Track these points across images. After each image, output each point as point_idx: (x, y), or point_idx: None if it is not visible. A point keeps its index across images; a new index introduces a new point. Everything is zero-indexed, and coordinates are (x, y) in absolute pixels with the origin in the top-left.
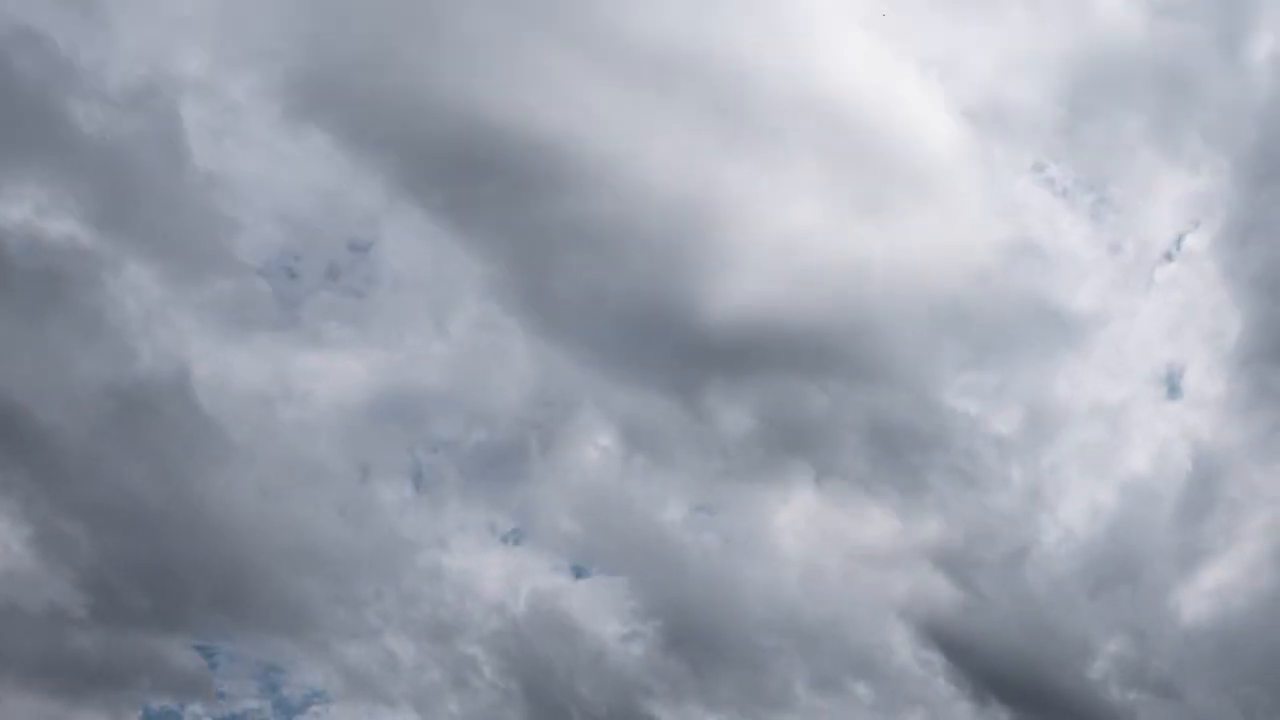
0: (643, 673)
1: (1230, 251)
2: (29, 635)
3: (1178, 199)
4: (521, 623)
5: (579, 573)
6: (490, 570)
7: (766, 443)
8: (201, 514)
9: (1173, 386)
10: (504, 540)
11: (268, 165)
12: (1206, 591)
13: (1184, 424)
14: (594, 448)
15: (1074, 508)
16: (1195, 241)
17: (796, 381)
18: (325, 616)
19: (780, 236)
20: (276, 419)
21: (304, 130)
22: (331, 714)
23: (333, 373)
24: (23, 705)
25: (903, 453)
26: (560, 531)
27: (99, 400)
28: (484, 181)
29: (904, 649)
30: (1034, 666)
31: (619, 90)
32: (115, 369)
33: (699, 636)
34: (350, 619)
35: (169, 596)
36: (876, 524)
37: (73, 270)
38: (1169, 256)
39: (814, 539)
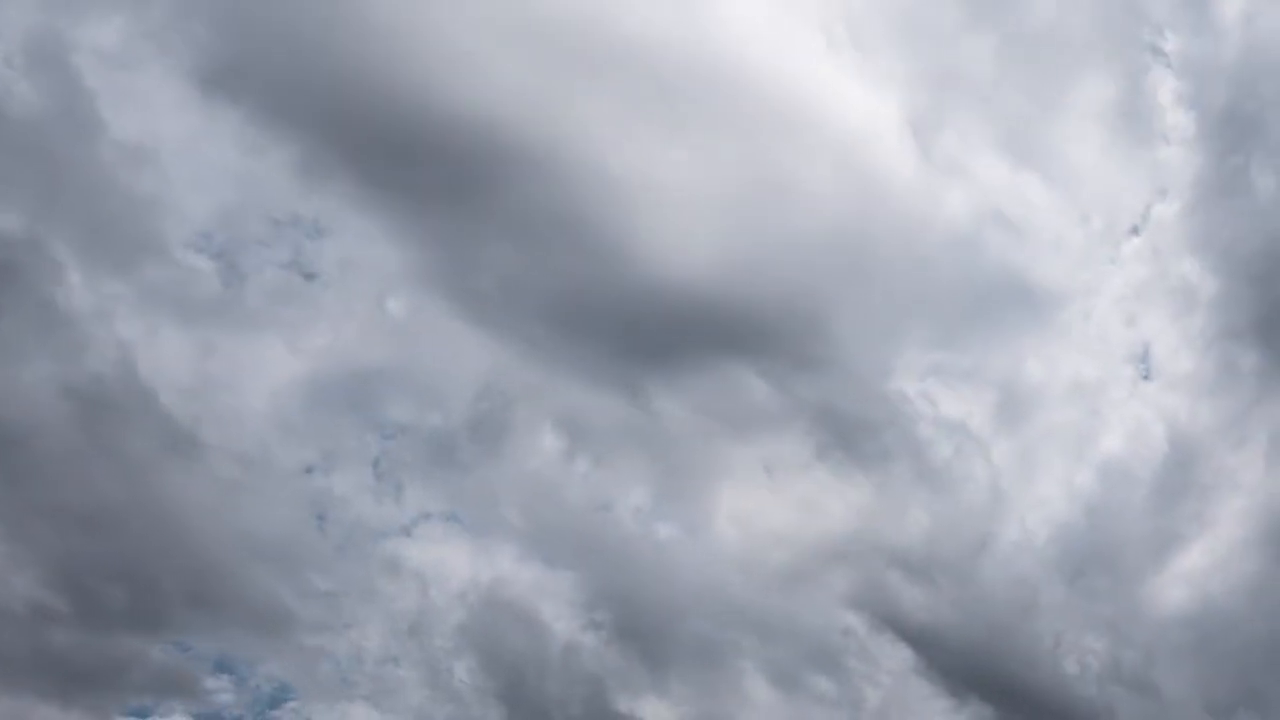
0: (598, 668)
1: (1199, 221)
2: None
3: (1145, 167)
4: (480, 616)
5: (532, 566)
6: (447, 563)
7: (713, 433)
8: (165, 509)
9: (1146, 366)
10: (453, 534)
11: (185, 144)
12: (1186, 580)
13: (1159, 404)
14: (539, 439)
15: (1046, 494)
16: (1164, 211)
17: (741, 369)
18: (295, 610)
19: (710, 218)
20: (229, 408)
21: (220, 108)
22: (306, 710)
23: (272, 360)
24: None
25: (860, 440)
26: (509, 525)
27: (51, 396)
28: (406, 165)
29: (870, 644)
30: (1011, 661)
31: (541, 72)
32: (65, 363)
33: (651, 631)
34: (320, 613)
35: (137, 595)
36: (833, 515)
37: (9, 259)
38: (1136, 229)
39: (764, 531)
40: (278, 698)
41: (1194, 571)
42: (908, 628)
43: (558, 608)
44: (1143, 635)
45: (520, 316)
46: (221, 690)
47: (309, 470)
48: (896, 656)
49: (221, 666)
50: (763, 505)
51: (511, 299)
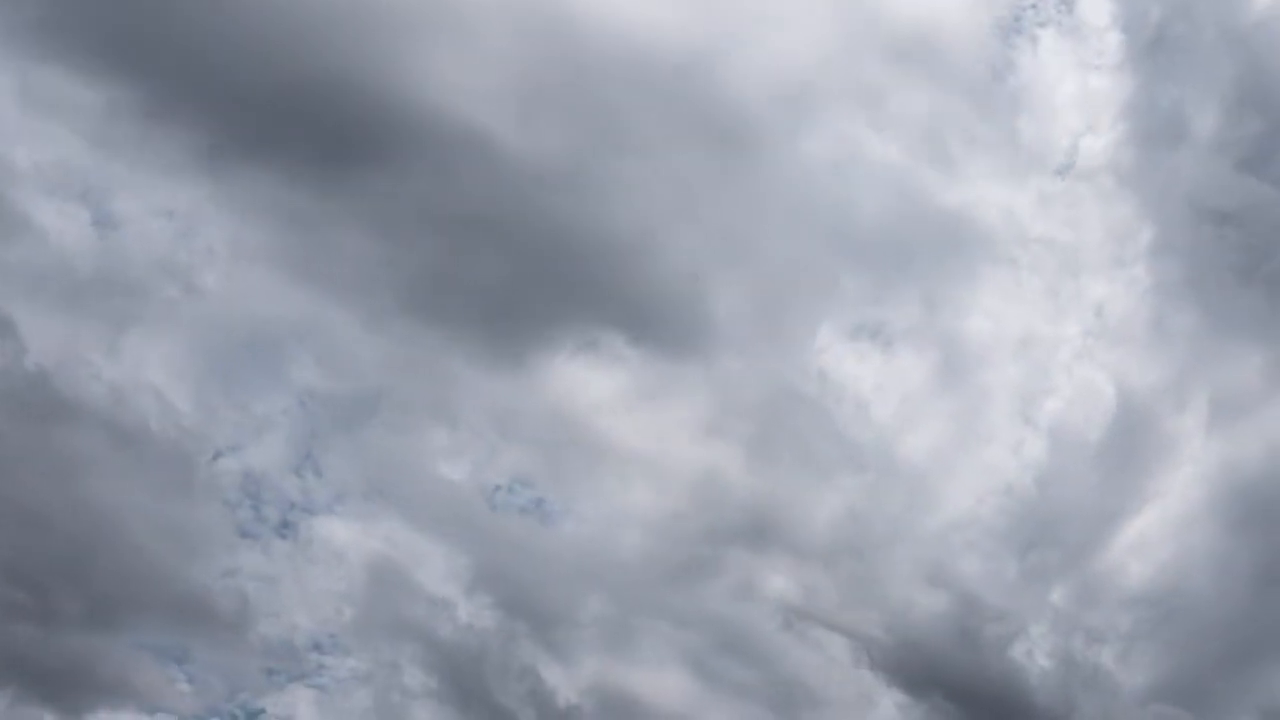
0: (505, 650)
1: (1132, 156)
2: None
3: (1074, 96)
4: (396, 598)
5: (433, 546)
6: (358, 546)
7: (604, 410)
8: (88, 507)
9: (1085, 319)
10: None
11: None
12: (1142, 554)
13: (1103, 361)
14: (434, 422)
15: (985, 463)
16: (1093, 143)
17: (627, 343)
18: (237, 598)
19: (581, 189)
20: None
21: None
22: (256, 702)
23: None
24: None
25: (770, 413)
26: (398, 506)
27: None
28: (269, 131)
29: (798, 634)
30: (961, 651)
31: (406, 40)
32: None
33: (547, 613)
34: (259, 599)
35: (77, 593)
36: (742, 495)
37: None
38: (1065, 168)
39: (664, 513)
40: (229, 690)
41: (1154, 543)
42: (831, 616)
43: (458, 592)
44: (1096, 618)
45: (396, 296)
46: (177, 682)
47: (234, 449)
48: (830, 647)
49: (172, 661)
50: (666, 485)
51: (386, 277)
